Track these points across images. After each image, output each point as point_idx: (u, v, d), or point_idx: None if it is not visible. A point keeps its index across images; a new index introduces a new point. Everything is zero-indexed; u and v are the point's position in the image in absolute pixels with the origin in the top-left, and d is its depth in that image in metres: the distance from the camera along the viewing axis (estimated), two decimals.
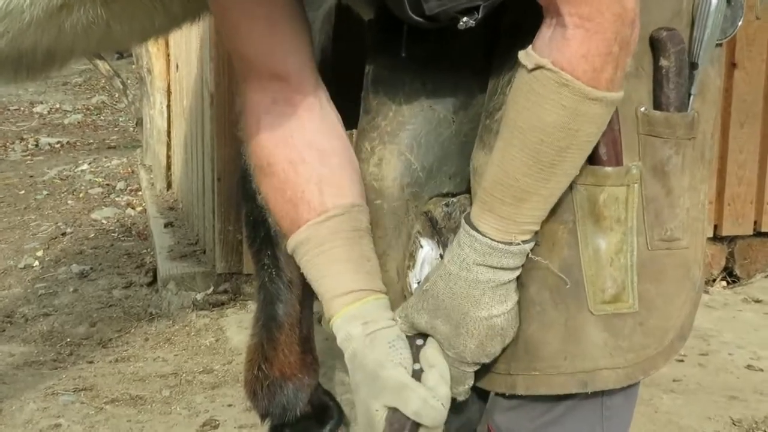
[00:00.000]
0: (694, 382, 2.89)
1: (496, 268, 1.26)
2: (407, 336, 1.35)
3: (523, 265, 1.30)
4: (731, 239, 3.73)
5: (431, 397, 1.28)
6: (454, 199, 1.44)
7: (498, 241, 1.25)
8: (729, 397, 2.78)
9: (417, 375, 1.31)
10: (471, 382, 1.35)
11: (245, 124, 1.42)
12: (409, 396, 1.27)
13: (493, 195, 1.25)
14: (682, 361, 3.03)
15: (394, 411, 1.28)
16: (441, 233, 1.43)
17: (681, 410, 2.70)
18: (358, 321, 1.34)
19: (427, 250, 1.41)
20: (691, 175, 1.36)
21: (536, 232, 1.29)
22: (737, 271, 3.79)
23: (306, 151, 1.38)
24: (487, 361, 1.31)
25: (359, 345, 1.32)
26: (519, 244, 1.26)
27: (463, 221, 1.29)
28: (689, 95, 1.34)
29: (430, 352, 1.32)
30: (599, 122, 1.21)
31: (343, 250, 1.37)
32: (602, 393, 1.36)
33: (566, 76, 1.17)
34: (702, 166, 1.37)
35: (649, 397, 2.79)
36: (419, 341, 1.34)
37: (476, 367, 1.33)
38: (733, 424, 2.61)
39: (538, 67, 1.18)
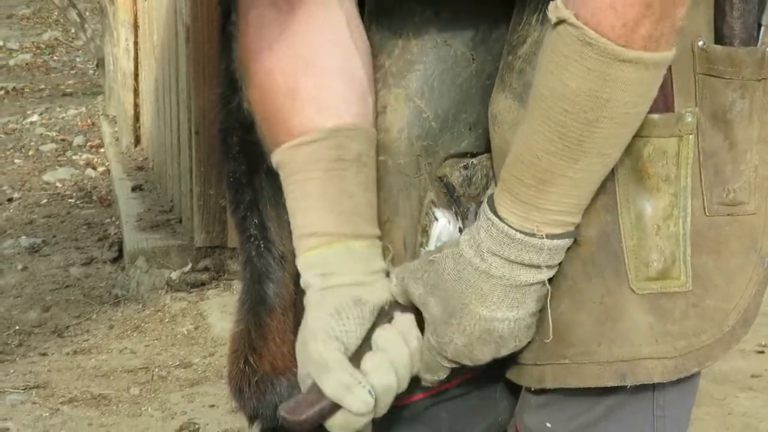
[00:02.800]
0: None
1: (513, 262, 1.26)
2: (392, 303, 1.36)
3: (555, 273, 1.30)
4: None
5: (356, 383, 1.30)
6: (475, 160, 1.43)
7: (517, 230, 1.25)
8: None
9: (363, 351, 1.33)
10: (443, 376, 1.36)
11: (236, 17, 1.43)
12: (328, 379, 1.29)
13: (513, 174, 1.25)
14: (762, 352, 3.05)
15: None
16: (459, 202, 1.43)
17: (761, 412, 2.73)
18: (316, 270, 1.36)
19: (443, 223, 1.41)
20: (761, 124, 1.35)
21: (576, 227, 1.29)
22: None
23: (289, 59, 1.38)
24: (469, 364, 1.32)
25: (311, 297, 1.35)
26: (543, 237, 1.26)
27: (484, 203, 1.31)
28: (758, 26, 1.33)
29: (385, 333, 1.33)
30: (638, 90, 1.20)
31: (319, 183, 1.37)
32: (653, 388, 1.37)
33: (590, 33, 1.16)
34: None
35: (722, 396, 2.82)
36: (396, 313, 1.36)
37: (453, 365, 1.34)
38: None
39: (560, 22, 1.18)
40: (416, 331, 1.35)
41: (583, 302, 1.33)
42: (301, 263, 1.38)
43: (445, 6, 1.46)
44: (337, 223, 1.37)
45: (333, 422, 1.32)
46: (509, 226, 1.26)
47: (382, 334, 1.34)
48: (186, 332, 3.25)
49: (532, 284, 1.29)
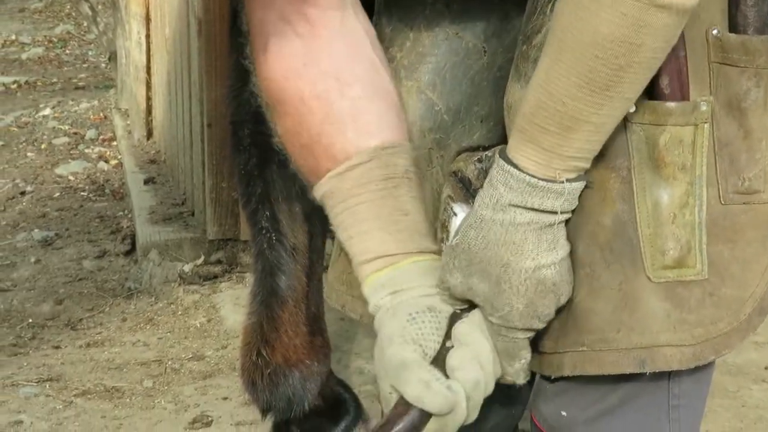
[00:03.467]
0: None
1: (536, 210, 1.27)
2: (455, 309, 1.35)
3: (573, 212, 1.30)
4: None
5: (435, 380, 1.29)
6: (489, 153, 1.43)
7: (539, 178, 1.25)
8: None
9: (443, 354, 1.33)
10: (528, 355, 1.34)
11: (252, 49, 1.42)
12: (407, 378, 1.28)
13: (534, 122, 1.25)
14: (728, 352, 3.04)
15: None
16: (476, 196, 1.44)
17: None
18: (386, 290, 1.35)
19: (462, 217, 1.41)
20: None
21: (585, 171, 1.29)
22: None
23: (321, 83, 1.37)
24: (540, 325, 1.31)
25: (383, 317, 1.34)
26: (563, 182, 1.26)
27: (496, 156, 1.30)
28: None
29: (463, 327, 1.32)
30: (668, 36, 1.21)
31: (371, 206, 1.37)
32: (668, 376, 1.37)
33: None
34: None
35: (735, 388, 2.81)
36: (464, 315, 1.35)
37: (530, 334, 1.32)
38: None
39: None
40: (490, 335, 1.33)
41: (601, 289, 1.33)
42: (369, 288, 1.37)
43: None
44: (398, 244, 1.37)
45: (430, 429, 1.30)
46: (530, 175, 1.26)
47: (461, 329, 1.32)
48: (199, 325, 3.25)
49: (557, 223, 1.28)
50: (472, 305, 1.34)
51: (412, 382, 1.28)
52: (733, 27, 1.33)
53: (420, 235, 1.39)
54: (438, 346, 1.33)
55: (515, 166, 1.26)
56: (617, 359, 1.32)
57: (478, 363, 1.31)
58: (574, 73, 1.22)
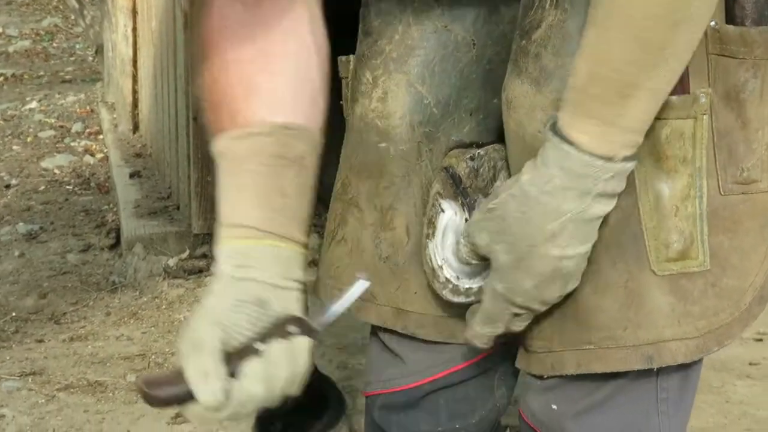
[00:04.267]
0: None
1: (587, 194, 1.25)
2: (292, 317, 1.30)
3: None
4: None
5: (216, 377, 1.25)
6: (482, 151, 1.43)
7: (598, 156, 1.23)
8: None
9: (247, 352, 1.27)
10: (499, 331, 1.34)
11: (198, 6, 1.42)
12: (193, 360, 1.26)
13: (588, 93, 1.23)
14: (760, 340, 3.04)
15: None
16: (466, 194, 1.42)
17: (758, 399, 2.73)
18: (235, 260, 1.33)
19: (449, 214, 1.40)
20: None
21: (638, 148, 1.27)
22: None
23: (246, 51, 1.37)
24: (538, 308, 1.31)
25: (217, 283, 1.32)
26: (620, 161, 1.24)
27: (549, 133, 1.26)
28: None
29: (280, 348, 1.27)
30: None
31: (254, 176, 1.35)
32: (657, 370, 1.38)
33: None
34: None
35: (719, 383, 2.81)
36: (293, 329, 1.28)
37: (522, 313, 1.32)
38: None
39: None
40: (307, 358, 1.30)
41: (607, 287, 1.32)
42: (221, 252, 1.34)
43: None
44: (266, 221, 1.35)
45: (190, 411, 1.27)
46: (589, 153, 1.23)
47: (274, 346, 1.28)
48: (183, 319, 3.24)
49: (600, 217, 1.27)
50: (307, 329, 1.29)
51: (193, 366, 1.26)
52: (731, 19, 1.33)
53: (291, 221, 1.37)
54: (244, 341, 1.29)
55: (571, 144, 1.23)
56: (625, 356, 1.32)
57: (266, 382, 1.27)
58: (627, 35, 1.21)
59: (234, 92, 1.37)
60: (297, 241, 1.37)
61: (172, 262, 3.54)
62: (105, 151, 5.17)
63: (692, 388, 1.46)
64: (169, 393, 1.27)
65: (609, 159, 1.23)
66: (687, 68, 1.30)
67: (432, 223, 1.40)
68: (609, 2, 1.22)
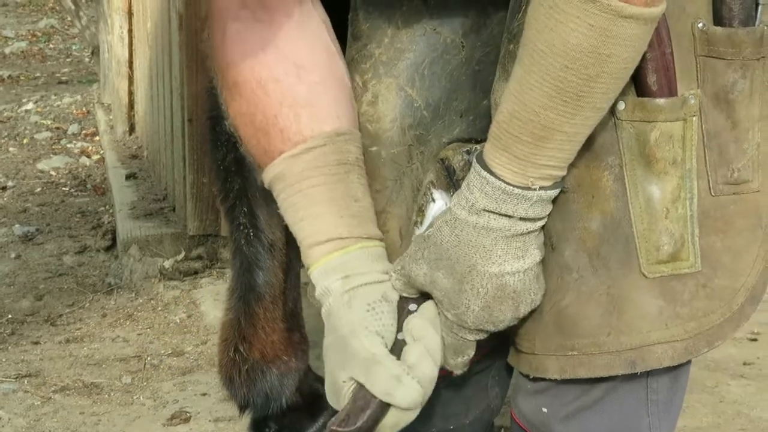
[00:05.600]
0: None
1: (510, 216, 1.27)
2: (401, 297, 1.36)
3: (545, 225, 1.31)
4: None
5: (405, 374, 1.29)
6: (478, 146, 1.44)
7: (513, 185, 1.26)
8: None
9: (399, 346, 1.33)
10: (471, 353, 1.36)
11: (210, 33, 1.42)
12: (379, 372, 1.28)
13: (508, 131, 1.26)
14: (755, 340, 3.04)
15: (361, 386, 1.30)
16: (458, 185, 1.43)
17: (752, 399, 2.72)
18: (337, 274, 1.35)
19: (440, 204, 1.41)
20: (762, 102, 1.36)
21: (562, 178, 1.29)
22: None
23: (280, 67, 1.38)
24: (493, 329, 1.32)
25: (336, 302, 1.34)
26: (537, 189, 1.26)
27: (474, 160, 1.30)
28: (756, 5, 1.34)
29: (417, 322, 1.33)
30: (636, 45, 1.21)
31: (325, 189, 1.37)
32: (647, 372, 1.38)
33: None
34: None
35: (713, 383, 2.81)
36: (412, 306, 1.35)
37: (479, 336, 1.34)
38: None
39: None
40: (438, 318, 1.34)
41: (589, 294, 1.33)
42: (318, 271, 1.37)
43: None
44: (350, 228, 1.37)
45: (385, 423, 1.30)
46: (505, 182, 1.26)
47: (414, 324, 1.33)
48: (179, 321, 3.24)
49: (528, 232, 1.29)
50: (422, 296, 1.35)
51: (383, 377, 1.28)
52: (719, 20, 1.33)
53: (369, 221, 1.40)
54: (394, 338, 1.33)
55: (491, 173, 1.27)
56: (609, 361, 1.33)
57: (432, 359, 1.32)
58: (546, 83, 1.22)
59: (280, 111, 1.37)
60: (377, 237, 1.40)
61: (167, 263, 3.54)
62: (101, 152, 5.17)
63: (682, 388, 1.46)
64: (366, 419, 1.29)
65: (525, 188, 1.26)
66: (674, 71, 1.31)
67: (422, 211, 1.42)
68: (531, 47, 1.22)
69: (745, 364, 2.90)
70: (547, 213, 1.30)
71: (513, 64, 1.35)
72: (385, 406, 1.29)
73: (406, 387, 1.28)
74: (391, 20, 1.47)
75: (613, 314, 1.32)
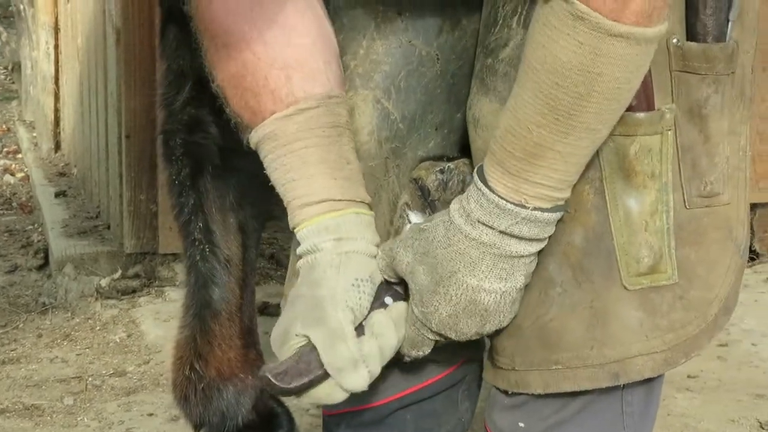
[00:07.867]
0: (713, 378, 2.95)
1: (503, 233, 1.28)
2: (385, 282, 1.36)
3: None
4: (750, 207, 3.79)
5: (362, 362, 1.31)
6: (452, 165, 1.44)
7: (507, 201, 1.27)
8: (754, 395, 2.84)
9: (358, 332, 1.33)
10: (428, 350, 1.37)
11: None
12: (341, 349, 1.30)
13: (503, 146, 1.27)
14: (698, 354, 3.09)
15: (312, 348, 1.31)
16: (434, 206, 1.44)
17: (698, 412, 2.76)
18: (330, 235, 1.36)
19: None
20: (731, 116, 1.39)
21: (563, 201, 1.30)
22: (756, 247, 3.82)
23: (268, 29, 1.38)
24: (454, 337, 1.33)
25: (324, 259, 1.34)
26: (531, 209, 1.27)
27: (475, 172, 1.31)
28: (727, 21, 1.37)
29: (382, 319, 1.34)
30: (629, 65, 1.21)
31: (318, 150, 1.37)
32: (621, 385, 1.40)
33: (581, 7, 1.18)
34: (742, 105, 1.40)
35: (660, 397, 2.85)
36: (388, 299, 1.36)
37: (437, 339, 1.35)
38: (761, 427, 2.68)
39: None
40: (405, 322, 1.35)
41: (573, 308, 1.35)
42: (309, 229, 1.36)
43: (407, 6, 1.46)
44: (343, 190, 1.37)
45: (315, 392, 1.32)
46: (499, 196, 1.27)
47: (379, 320, 1.34)
48: (119, 340, 3.21)
49: (521, 256, 1.30)
50: (404, 286, 1.36)
51: (343, 355, 1.30)
52: (693, 36, 1.35)
53: (360, 184, 1.41)
54: (360, 322, 1.34)
55: (487, 186, 1.28)
56: (593, 374, 1.35)
57: (380, 360, 1.34)
58: (538, 100, 1.23)
59: (270, 72, 1.37)
60: (368, 203, 1.40)
61: (104, 282, 3.51)
62: (26, 170, 5.10)
63: (656, 400, 1.48)
64: (302, 383, 1.30)
65: (519, 206, 1.27)
66: (652, 85, 1.33)
67: (398, 234, 1.42)
68: (526, 63, 1.24)
69: (689, 377, 2.94)
70: (544, 237, 1.30)
71: (494, 79, 1.36)
72: (324, 378, 1.30)
73: (358, 374, 1.30)
74: (366, 32, 1.47)
75: (596, 327, 1.34)
